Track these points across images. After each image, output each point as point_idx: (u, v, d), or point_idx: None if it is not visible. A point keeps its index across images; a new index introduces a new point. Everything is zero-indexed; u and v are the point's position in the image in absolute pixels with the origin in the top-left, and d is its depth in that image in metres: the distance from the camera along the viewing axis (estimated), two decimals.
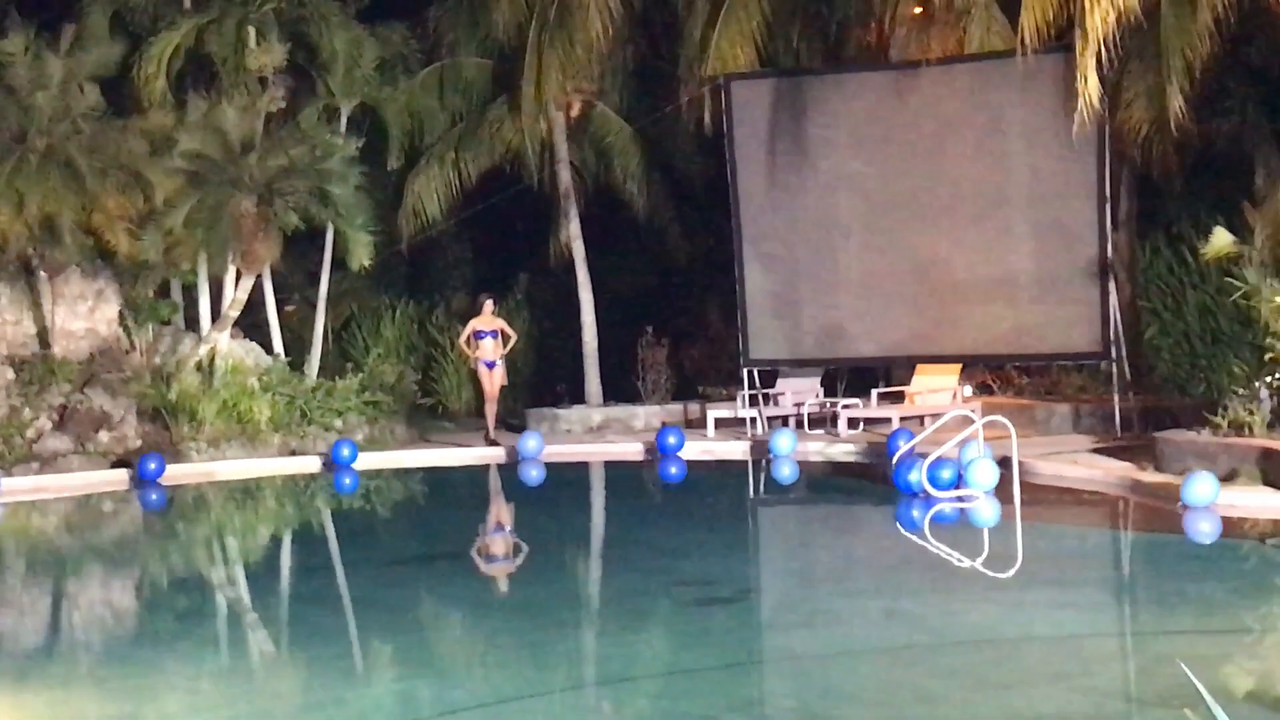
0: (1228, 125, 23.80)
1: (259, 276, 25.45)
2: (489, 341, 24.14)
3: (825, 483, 21.27)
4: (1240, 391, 17.90)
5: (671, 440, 22.38)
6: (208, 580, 16.04)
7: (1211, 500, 15.39)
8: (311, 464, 22.90)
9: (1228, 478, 16.16)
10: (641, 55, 28.24)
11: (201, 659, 11.58)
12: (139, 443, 22.80)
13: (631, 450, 23.49)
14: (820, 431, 23.52)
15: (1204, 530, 15.08)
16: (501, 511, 20.55)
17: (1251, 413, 17.28)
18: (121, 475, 21.54)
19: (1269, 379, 17.50)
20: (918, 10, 23.15)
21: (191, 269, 25.35)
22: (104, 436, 22.75)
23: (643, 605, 12.88)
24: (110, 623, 13.70)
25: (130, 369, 24.35)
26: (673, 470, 21.98)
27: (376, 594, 13.89)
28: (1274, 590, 12.76)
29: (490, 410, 24.26)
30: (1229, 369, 20.41)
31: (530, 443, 22.69)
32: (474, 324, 24.33)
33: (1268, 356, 17.51)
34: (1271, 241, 18.47)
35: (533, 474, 22.06)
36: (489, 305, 24.43)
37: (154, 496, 20.84)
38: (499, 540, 17.82)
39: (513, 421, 26.54)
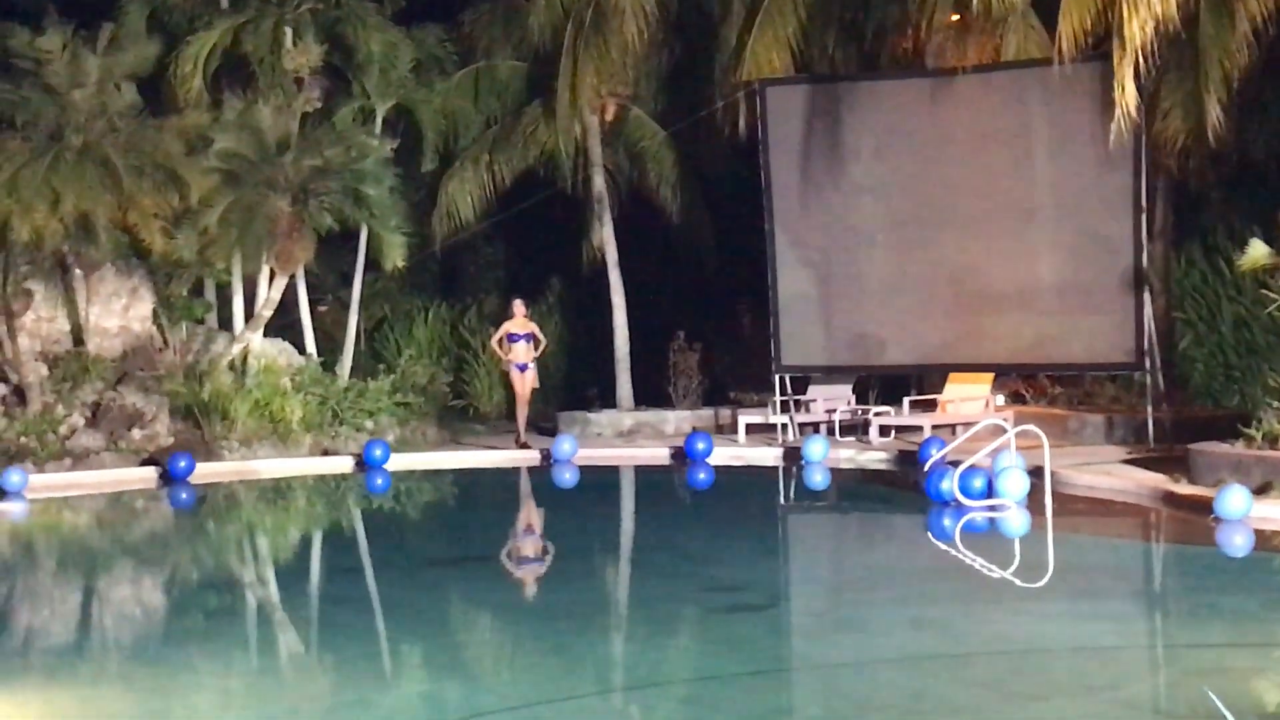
0: (1265, 135, 23.72)
1: (292, 277, 25.52)
2: (521, 345, 24.16)
3: (856, 490, 21.23)
4: (1275, 404, 17.80)
5: (700, 446, 22.36)
6: (237, 579, 16.06)
7: (1245, 513, 15.29)
8: (344, 464, 22.94)
9: (1261, 490, 16.07)
10: (676, 60, 28.21)
11: (230, 658, 11.59)
12: (171, 441, 22.87)
13: (659, 455, 23.47)
14: (851, 439, 23.47)
15: (1237, 543, 14.99)
16: (532, 515, 20.55)
17: None
18: (151, 473, 21.61)
19: None
20: (954, 17, 23.08)
21: (226, 268, 25.43)
22: (136, 434, 22.82)
23: (671, 610, 12.85)
24: (139, 621, 13.72)
25: (163, 367, 24.45)
26: (701, 476, 21.95)
27: (406, 595, 13.91)
28: None
29: (521, 413, 24.28)
30: (1263, 381, 20.29)
31: (564, 445, 22.72)
32: (506, 327, 24.36)
33: None
34: None
35: (565, 477, 22.08)
36: (521, 308, 24.46)
37: (184, 495, 20.91)
38: (529, 543, 17.83)
39: (544, 425, 26.56)
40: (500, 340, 24.39)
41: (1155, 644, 11.89)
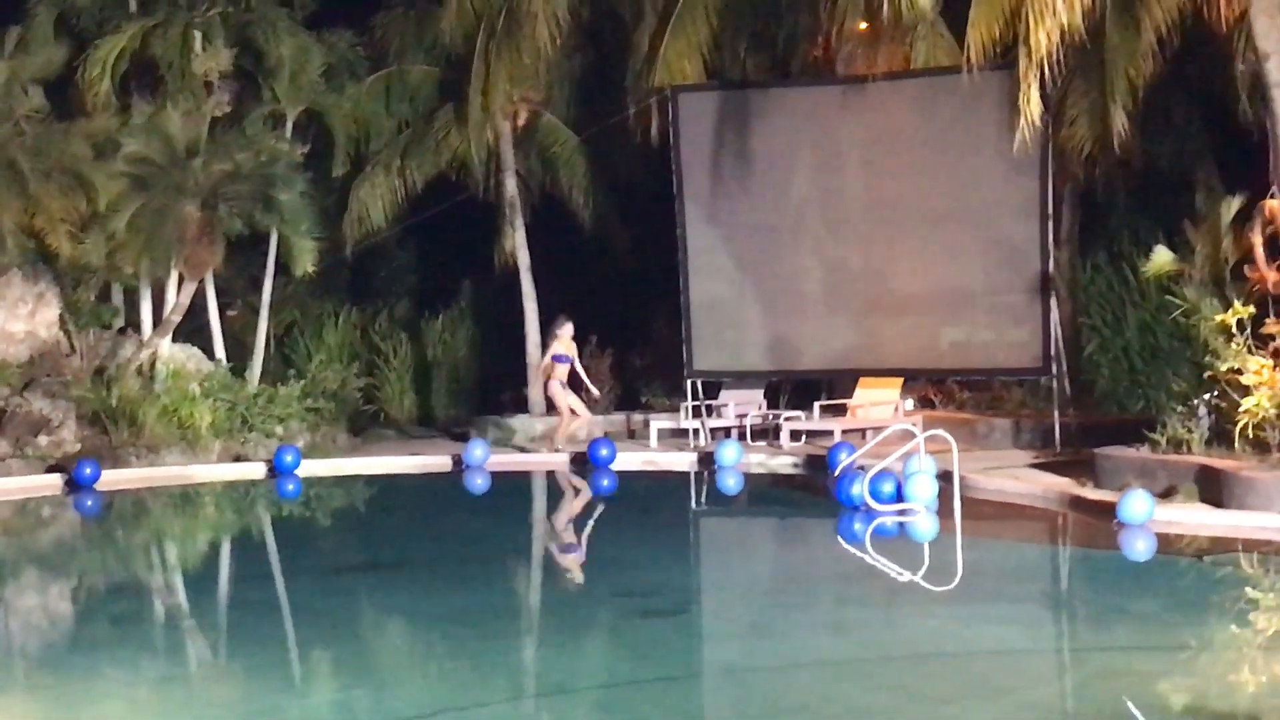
0: (1169, 144, 24.04)
1: (201, 281, 25.32)
2: (564, 367, 23.86)
3: (768, 495, 21.31)
4: (1179, 409, 18.05)
5: (603, 452, 22.37)
6: (145, 587, 15.94)
7: (1147, 518, 15.48)
8: (255, 470, 22.79)
9: (1166, 494, 16.29)
10: (589, 65, 28.24)
11: (138, 666, 11.50)
12: (78, 447, 22.65)
13: (559, 461, 23.42)
14: (762, 443, 23.58)
15: (1140, 547, 15.18)
16: (444, 521, 20.45)
17: (1190, 430, 17.42)
18: (57, 480, 21.36)
19: (1207, 397, 17.64)
20: (864, 26, 23.24)
21: (134, 273, 25.18)
22: (43, 440, 22.60)
23: (584, 616, 12.89)
24: (45, 629, 13.58)
25: (70, 373, 24.17)
26: (604, 483, 21.95)
27: (317, 602, 13.84)
28: (1210, 607, 12.85)
29: (564, 425, 23.98)
30: (1168, 386, 20.58)
31: (476, 451, 22.68)
32: (555, 348, 24.01)
33: (1206, 374, 17.64)
34: (1211, 260, 18.62)
35: (477, 482, 22.04)
36: (568, 329, 24.06)
37: (90, 502, 20.70)
38: (441, 549, 17.76)
39: (456, 430, 26.51)
40: (550, 365, 24.04)
41: (1063, 647, 12.00)
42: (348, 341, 29.90)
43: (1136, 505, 15.51)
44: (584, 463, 22.61)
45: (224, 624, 13.49)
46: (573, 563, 16.29)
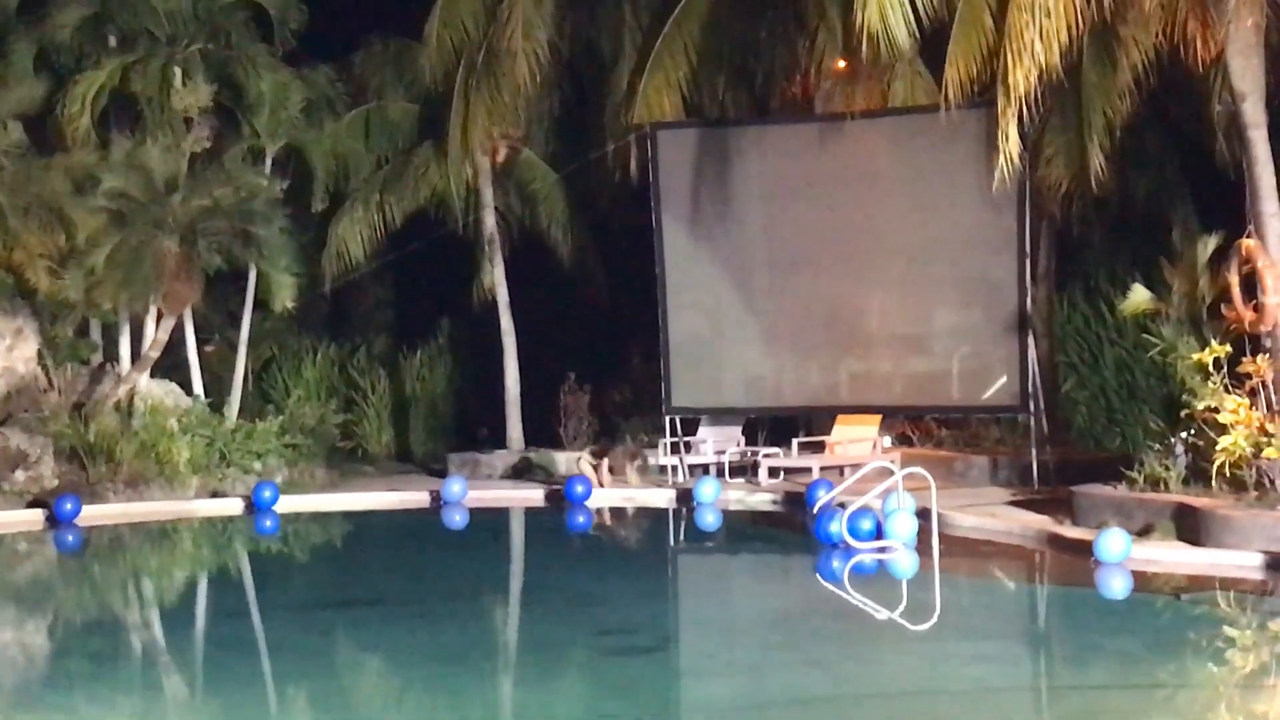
0: (1146, 183, 24.14)
1: (179, 316, 25.30)
2: None
3: (747, 531, 21.31)
4: (1156, 447, 18.10)
5: (579, 489, 22.36)
6: (123, 623, 15.90)
7: (1123, 556, 15.52)
8: (233, 506, 22.73)
9: (1143, 532, 16.32)
10: (568, 102, 28.30)
11: (114, 703, 11.47)
12: (55, 483, 22.59)
13: (535, 497, 23.41)
14: (741, 480, 23.58)
15: (1117, 585, 15.21)
16: (422, 557, 20.42)
17: (1167, 468, 17.47)
18: (37, 515, 21.30)
19: (1184, 435, 17.68)
20: (843, 64, 23.34)
21: (112, 308, 25.13)
22: (20, 476, 22.55)
23: (562, 653, 12.86)
24: (23, 665, 13.54)
25: (48, 408, 24.10)
26: (580, 519, 21.93)
27: (294, 639, 13.82)
28: (1187, 645, 12.87)
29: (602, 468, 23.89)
30: (1145, 424, 20.63)
31: (454, 487, 22.67)
32: None
33: (1183, 413, 17.69)
34: (1188, 299, 18.72)
35: (455, 518, 22.01)
36: None
37: (70, 537, 20.65)
38: (419, 586, 17.72)
39: (434, 466, 26.48)
40: None
41: (1040, 685, 12.03)
42: (326, 377, 29.87)
43: (1113, 544, 15.54)
44: (560, 499, 22.59)
45: (201, 660, 13.46)
46: (551, 599, 16.25)
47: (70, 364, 25.37)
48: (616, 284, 28.71)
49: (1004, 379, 22.34)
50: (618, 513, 22.50)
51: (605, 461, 23.56)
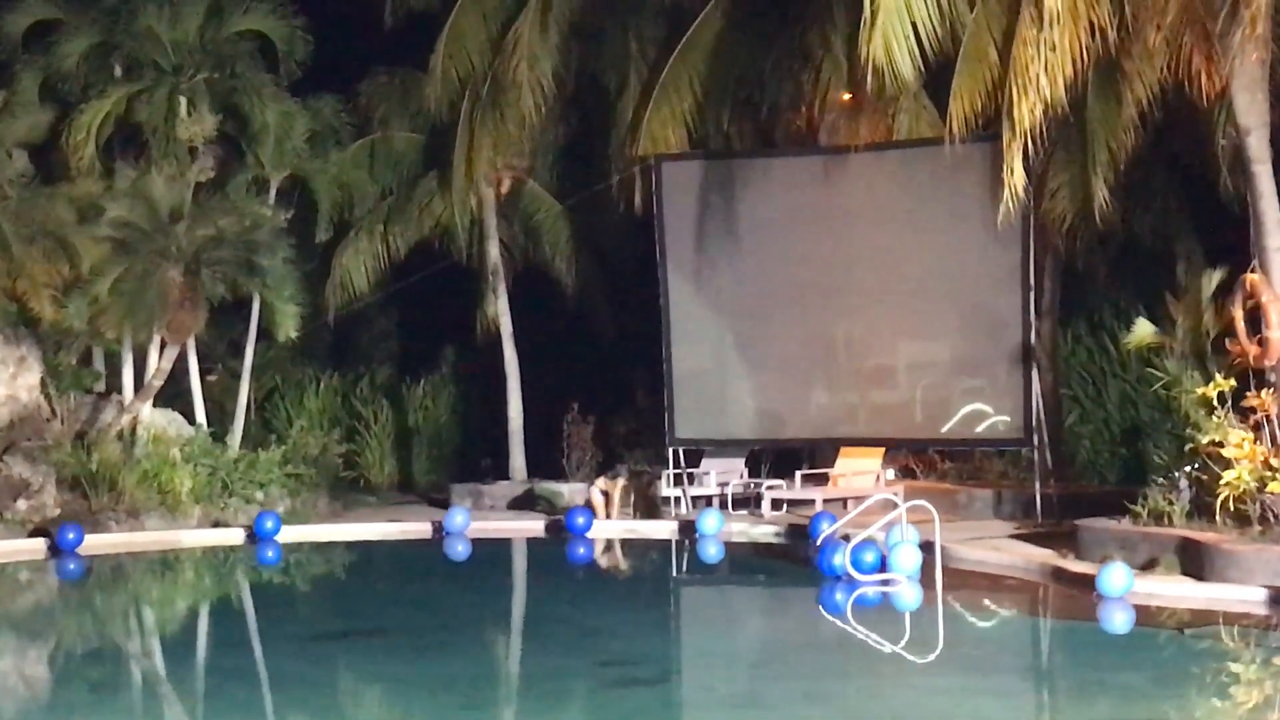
0: (1150, 216, 24.15)
1: (182, 345, 25.30)
2: None
3: (749, 564, 21.27)
4: (1160, 481, 18.07)
5: (580, 521, 22.32)
6: (125, 653, 15.86)
7: (1125, 590, 15.49)
8: (235, 536, 22.69)
9: (1147, 566, 16.30)
10: (573, 134, 28.35)
11: None
12: (58, 512, 22.56)
13: (538, 528, 23.38)
14: (744, 512, 23.54)
15: (1120, 620, 15.18)
16: (424, 588, 20.37)
17: (1171, 502, 17.44)
18: (39, 544, 21.27)
19: (1188, 469, 17.66)
20: (847, 97, 23.37)
21: (116, 337, 25.13)
22: (22, 505, 22.50)
23: (564, 686, 12.82)
24: (25, 695, 13.50)
25: (51, 437, 24.07)
26: (583, 551, 21.90)
27: (295, 669, 13.78)
28: (1190, 679, 12.84)
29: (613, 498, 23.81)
30: (1149, 458, 20.60)
31: (457, 518, 22.64)
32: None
33: (1187, 447, 17.68)
34: (1192, 333, 18.72)
35: (458, 549, 21.98)
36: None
37: (72, 566, 20.61)
38: (420, 617, 17.68)
39: (437, 496, 26.46)
40: None
41: (1043, 719, 11.98)
42: (329, 407, 29.88)
43: (1115, 578, 15.51)
44: (562, 530, 22.56)
45: (202, 691, 13.42)
46: (553, 631, 16.21)
47: (73, 393, 25.33)
48: (620, 315, 28.72)
49: (1006, 417, 22.32)
50: (621, 544, 22.45)
51: (618, 490, 23.49)
